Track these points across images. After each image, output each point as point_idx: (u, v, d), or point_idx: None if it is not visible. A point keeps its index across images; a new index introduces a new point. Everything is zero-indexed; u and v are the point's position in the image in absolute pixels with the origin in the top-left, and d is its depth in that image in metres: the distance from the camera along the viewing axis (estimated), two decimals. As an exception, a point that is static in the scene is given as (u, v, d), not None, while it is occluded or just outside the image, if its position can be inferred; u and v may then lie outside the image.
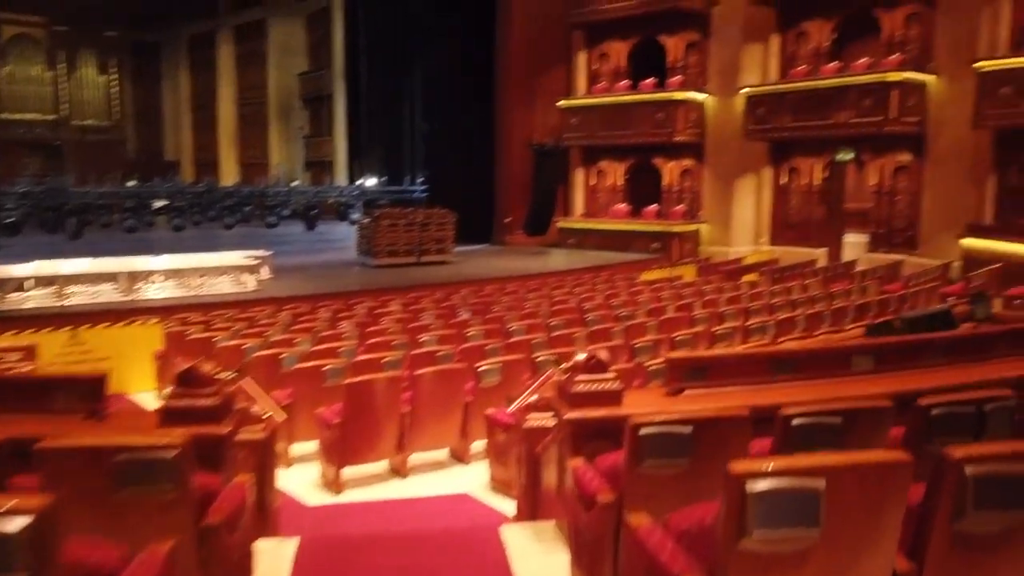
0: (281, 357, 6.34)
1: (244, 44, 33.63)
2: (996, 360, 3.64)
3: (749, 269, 14.90)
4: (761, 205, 17.73)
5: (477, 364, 5.67)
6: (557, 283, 13.23)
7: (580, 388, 3.10)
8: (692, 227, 18.27)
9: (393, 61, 24.67)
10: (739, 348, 6.30)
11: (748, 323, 7.70)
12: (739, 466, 1.64)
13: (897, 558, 1.83)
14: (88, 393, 3.13)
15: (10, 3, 29.33)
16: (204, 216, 22.81)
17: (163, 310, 10.58)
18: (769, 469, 1.60)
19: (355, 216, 22.45)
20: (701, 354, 4.18)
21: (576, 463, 2.76)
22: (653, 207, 19.03)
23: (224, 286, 12.35)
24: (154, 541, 1.99)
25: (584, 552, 2.65)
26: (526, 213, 21.04)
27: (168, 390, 3.00)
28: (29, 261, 12.04)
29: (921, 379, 3.30)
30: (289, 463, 5.57)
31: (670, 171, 19.11)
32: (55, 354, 8.57)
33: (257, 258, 13.45)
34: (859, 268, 14.10)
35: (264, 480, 3.58)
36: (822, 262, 15.78)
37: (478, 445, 5.50)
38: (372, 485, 5.17)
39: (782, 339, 6.93)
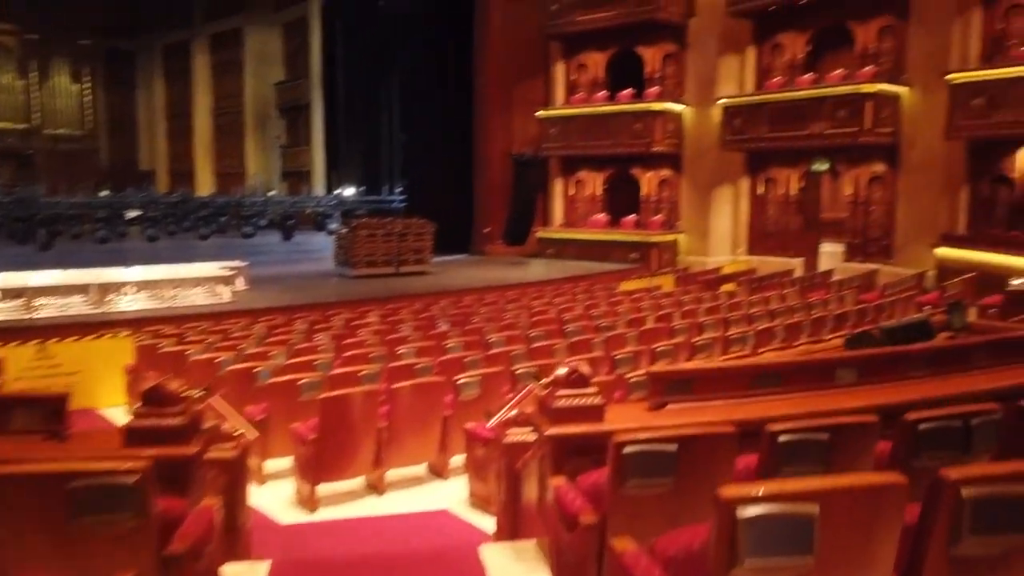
0: (255, 371, 6.20)
1: (220, 53, 33.36)
2: (978, 371, 3.63)
3: (727, 279, 14.95)
4: (738, 215, 17.84)
5: (456, 377, 5.57)
6: (536, 293, 13.18)
7: (561, 403, 3.02)
8: (670, 237, 18.33)
9: (371, 71, 24.59)
10: (721, 360, 6.26)
11: (728, 333, 7.68)
12: (729, 491, 1.57)
13: (891, 582, 1.77)
14: (49, 412, 3.00)
15: (-20, 11, 28.94)
16: (179, 226, 22.53)
17: (135, 323, 10.36)
18: (760, 494, 1.54)
19: (333, 226, 22.28)
20: (683, 368, 4.12)
21: (558, 482, 2.68)
22: (631, 217, 19.08)
23: (198, 298, 12.15)
24: (113, 573, 1.87)
25: (566, 574, 2.57)
26: (505, 223, 21.00)
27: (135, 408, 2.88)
28: (-3, 273, 11.77)
29: (905, 391, 3.27)
30: (263, 480, 5.43)
31: (648, 181, 19.19)
32: (22, 368, 8.33)
33: (232, 269, 13.26)
34: (836, 278, 14.20)
35: (235, 500, 3.46)
36: (799, 272, 15.88)
37: (457, 460, 5.40)
38: (348, 502, 5.05)
39: (762, 350, 6.92)
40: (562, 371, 3.14)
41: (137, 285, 11.82)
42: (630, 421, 2.94)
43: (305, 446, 4.93)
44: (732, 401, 3.25)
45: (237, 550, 3.37)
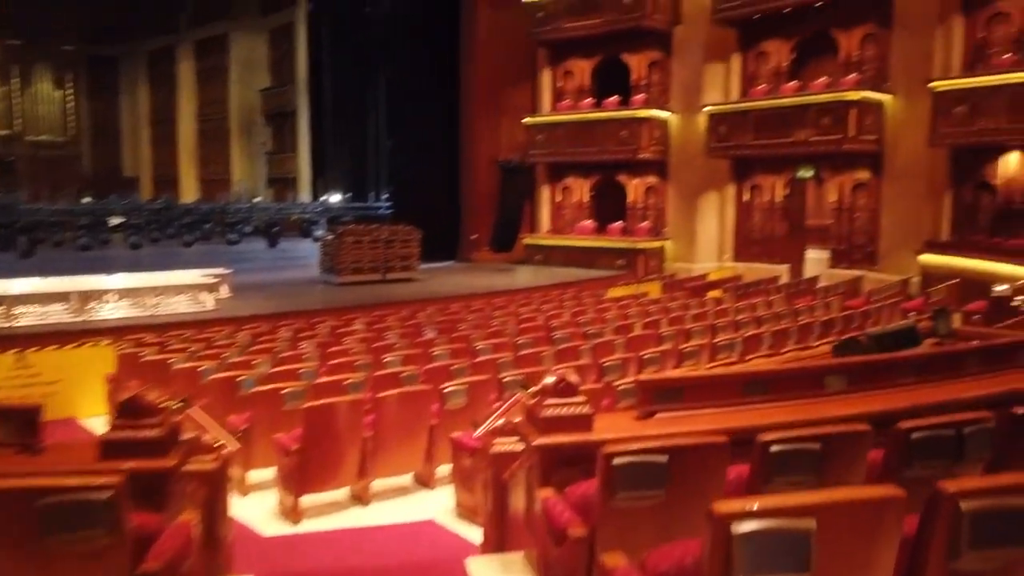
0: (239, 380, 6.11)
1: (205, 59, 33.19)
2: (968, 377, 3.61)
3: (713, 285, 14.98)
4: (724, 222, 17.89)
5: (443, 385, 5.51)
6: (524, 300, 13.12)
7: (549, 412, 2.97)
8: (657, 244, 18.36)
9: (358, 77, 24.52)
10: (710, 368, 6.24)
11: (715, 340, 7.66)
12: (723, 506, 1.52)
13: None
14: (22, 424, 2.91)
15: (-40, 16, 28.64)
16: (162, 233, 22.34)
17: (116, 331, 10.21)
18: (755, 509, 1.49)
19: (319, 233, 22.16)
20: (672, 376, 4.08)
21: (546, 494, 2.63)
22: (618, 224, 19.10)
23: (181, 305, 12.00)
24: (84, 593, 1.80)
25: (555, 588, 2.51)
26: (492, 230, 20.96)
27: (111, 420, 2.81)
28: (-25, 281, 11.57)
29: (895, 399, 3.24)
30: (246, 491, 5.34)
31: (635, 188, 19.22)
32: (0, 378, 8.19)
33: (216, 276, 13.11)
34: (821, 284, 14.25)
35: (215, 513, 3.38)
36: (785, 278, 15.94)
37: (444, 470, 5.33)
38: (332, 513, 4.96)
39: (750, 356, 6.90)
40: (550, 380, 3.09)
41: (119, 293, 11.65)
42: (619, 431, 2.89)
43: (288, 456, 4.85)
44: (722, 409, 3.21)
45: (218, 564, 3.29)
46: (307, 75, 27.95)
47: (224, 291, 13.30)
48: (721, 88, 17.48)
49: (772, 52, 16.90)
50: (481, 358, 6.92)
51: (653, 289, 14.65)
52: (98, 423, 7.76)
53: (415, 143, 21.57)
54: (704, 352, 7.20)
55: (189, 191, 33.57)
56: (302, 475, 4.80)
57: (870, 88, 14.95)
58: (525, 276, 17.81)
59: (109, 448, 2.59)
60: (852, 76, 15.29)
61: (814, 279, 14.90)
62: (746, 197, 17.70)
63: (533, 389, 3.17)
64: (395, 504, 5.11)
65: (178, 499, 2.81)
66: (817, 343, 7.78)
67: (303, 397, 5.38)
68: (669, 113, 18.17)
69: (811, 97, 15.38)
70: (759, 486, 2.32)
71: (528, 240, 20.37)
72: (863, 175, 15.71)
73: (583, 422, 2.96)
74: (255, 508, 5.03)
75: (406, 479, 5.45)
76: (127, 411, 2.70)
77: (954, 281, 12.25)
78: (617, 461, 2.24)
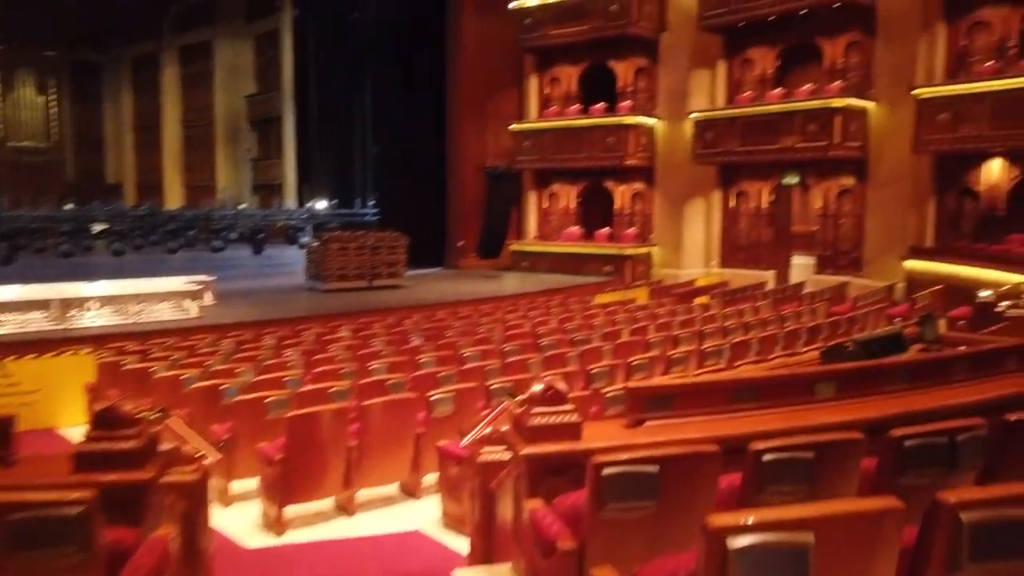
0: (222, 388, 6.02)
1: (190, 65, 32.99)
2: (957, 384, 3.60)
3: (700, 292, 14.99)
4: (711, 228, 17.94)
5: (429, 393, 5.44)
6: (511, 307, 13.08)
7: (537, 421, 2.92)
8: (644, 250, 18.37)
9: (343, 83, 24.45)
10: (699, 375, 6.21)
11: (703, 347, 7.64)
12: (719, 520, 1.47)
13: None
14: (-5, 436, 2.82)
15: (-59, 21, 28.29)
16: (146, 240, 22.12)
17: (97, 339, 10.06)
18: (751, 523, 1.44)
19: (304, 240, 22.02)
20: (662, 383, 4.04)
21: (534, 505, 2.57)
22: (605, 230, 19.11)
23: (164, 313, 11.86)
24: (53, 613, 1.73)
25: (543, 601, 2.46)
26: (479, 236, 20.92)
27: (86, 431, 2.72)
28: (-47, 288, 11.39)
29: (886, 405, 3.21)
30: (228, 502, 5.25)
31: (621, 194, 19.25)
32: (-22, 388, 8.03)
33: (199, 283, 12.97)
34: (807, 290, 14.30)
35: (196, 525, 3.30)
36: (771, 284, 15.99)
37: (430, 479, 5.26)
38: (317, 524, 4.88)
39: (738, 363, 6.88)
40: (537, 387, 3.04)
41: (100, 300, 11.50)
42: (608, 439, 2.84)
43: (272, 466, 4.76)
44: (712, 417, 3.18)
45: (198, 579, 3.20)
46: (293, 81, 27.84)
47: (208, 298, 13.18)
48: (707, 95, 17.55)
49: (757, 59, 16.99)
50: (468, 365, 6.87)
51: (640, 295, 14.65)
52: (78, 433, 7.60)
53: (401, 149, 21.53)
54: (692, 358, 7.17)
55: (174, 198, 33.30)
56: (286, 485, 4.72)
57: (854, 95, 15.05)
58: (512, 283, 17.77)
59: (83, 460, 2.51)
60: (837, 83, 15.40)
61: (800, 285, 14.95)
62: (732, 203, 17.76)
63: (520, 397, 3.12)
64: (381, 514, 5.04)
65: (156, 512, 2.73)
66: (804, 349, 7.78)
67: (287, 406, 5.30)
68: (655, 120, 18.22)
69: (796, 104, 15.46)
70: (752, 496, 2.28)
71: (515, 246, 20.33)
72: (848, 181, 15.80)
73: (571, 431, 2.91)
74: (238, 519, 4.94)
75: (392, 489, 5.37)
76: (103, 422, 2.63)
77: (938, 287, 12.32)
78: (607, 471, 2.19)
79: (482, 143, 20.96)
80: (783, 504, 2.12)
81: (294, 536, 4.70)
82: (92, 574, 1.92)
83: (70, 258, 19.31)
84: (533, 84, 20.40)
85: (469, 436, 4.11)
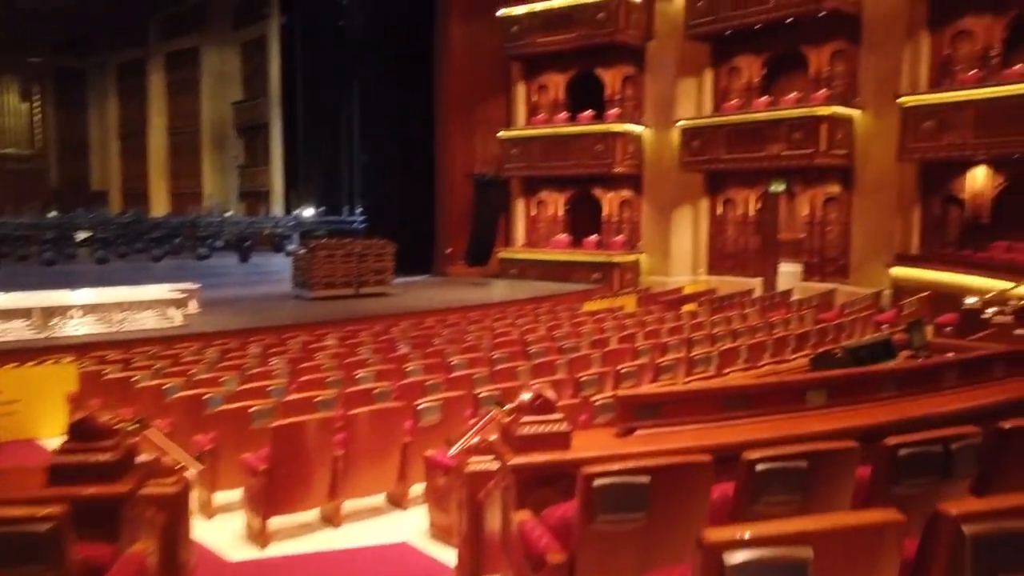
0: (205, 398, 5.92)
1: (176, 72, 32.84)
2: (948, 391, 3.58)
3: (688, 299, 14.99)
4: (698, 235, 17.98)
5: (416, 402, 5.37)
6: (499, 314, 13.02)
7: (525, 430, 2.86)
8: (632, 257, 18.38)
9: (331, 91, 24.40)
10: (689, 383, 6.17)
11: (691, 354, 7.61)
12: (714, 534, 1.42)
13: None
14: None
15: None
16: (131, 248, 21.96)
17: (79, 348, 9.93)
18: (747, 537, 1.40)
19: (291, 247, 21.91)
20: (652, 391, 4.00)
21: (522, 517, 2.52)
22: (593, 237, 19.12)
23: (148, 321, 11.72)
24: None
25: (532, 615, 2.39)
26: (467, 243, 20.87)
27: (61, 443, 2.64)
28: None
29: (878, 413, 3.18)
30: (211, 514, 5.15)
31: (609, 202, 19.27)
32: (-44, 398, 7.88)
33: (184, 291, 12.84)
34: (795, 297, 14.33)
35: (176, 539, 3.21)
36: (758, 291, 16.02)
37: (417, 489, 5.19)
38: (302, 536, 4.79)
39: (727, 370, 6.85)
40: (526, 396, 2.98)
41: (83, 308, 11.35)
42: (598, 449, 2.79)
43: (256, 477, 4.68)
44: (703, 425, 3.13)
45: (178, 594, 3.12)
46: (280, 88, 27.77)
47: (193, 306, 13.04)
48: (694, 103, 17.61)
49: (744, 67, 17.08)
50: (456, 373, 6.80)
51: (628, 303, 14.63)
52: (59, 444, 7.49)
53: (389, 156, 21.47)
54: (681, 366, 7.14)
55: (159, 205, 33.08)
56: (270, 496, 4.63)
57: (840, 103, 15.15)
58: (500, 290, 17.72)
59: (57, 473, 2.44)
60: (822, 92, 15.50)
61: (788, 292, 14.98)
62: (719, 211, 17.81)
63: (509, 406, 3.07)
64: (367, 525, 4.96)
65: (133, 526, 2.65)
66: (793, 356, 7.77)
67: (271, 415, 5.21)
68: (643, 127, 18.26)
69: (783, 112, 15.54)
70: (746, 506, 2.23)
71: (503, 254, 20.29)
72: (834, 189, 15.89)
73: (561, 440, 2.86)
74: (221, 532, 4.85)
75: (379, 499, 5.29)
76: (79, 433, 2.55)
77: (924, 294, 12.38)
78: (598, 483, 2.13)
79: (470, 150, 20.93)
80: (778, 515, 2.08)
81: (278, 548, 4.61)
82: (63, 593, 1.85)
83: (53, 266, 19.11)
84: (521, 91, 20.41)
85: (457, 446, 4.04)
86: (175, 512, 3.22)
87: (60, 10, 28.54)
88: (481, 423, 4.02)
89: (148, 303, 11.94)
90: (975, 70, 13.37)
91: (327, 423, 4.92)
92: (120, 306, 11.62)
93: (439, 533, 4.54)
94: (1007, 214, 13.45)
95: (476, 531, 3.50)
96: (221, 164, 32.14)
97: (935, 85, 13.94)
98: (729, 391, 3.33)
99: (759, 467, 2.23)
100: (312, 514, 4.98)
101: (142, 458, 2.91)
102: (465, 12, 20.51)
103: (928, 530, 1.59)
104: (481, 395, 5.62)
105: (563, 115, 19.44)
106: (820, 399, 3.40)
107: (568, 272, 18.50)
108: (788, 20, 15.54)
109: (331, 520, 4.94)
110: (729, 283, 16.64)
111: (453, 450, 4.18)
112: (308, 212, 25.67)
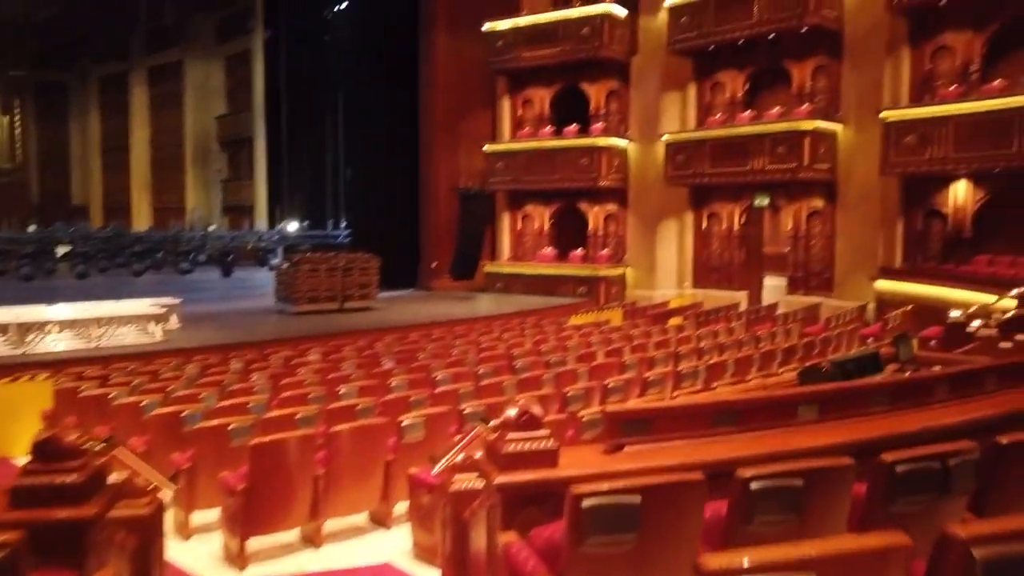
0: (183, 415, 5.78)
1: (159, 85, 32.66)
2: (939, 405, 3.53)
3: (674, 313, 14.97)
4: (684, 249, 18.01)
5: (400, 418, 5.27)
6: (485, 329, 12.92)
7: (511, 448, 2.77)
8: (618, 271, 18.36)
9: (315, 104, 24.33)
10: (677, 397, 6.11)
11: (679, 368, 7.55)
12: (713, 561, 1.35)
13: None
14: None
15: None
16: (111, 263, 21.68)
17: (56, 364, 9.72)
18: (747, 564, 1.32)
19: (275, 261, 21.72)
20: (640, 407, 3.93)
21: (508, 538, 2.42)
22: (579, 251, 19.10)
23: (128, 337, 11.51)
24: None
25: (519, 642, 2.30)
26: (452, 257, 20.79)
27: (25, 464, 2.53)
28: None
29: (870, 427, 3.13)
30: (188, 535, 5.00)
31: (595, 216, 19.28)
32: (-74, 416, 7.66)
33: (164, 306, 12.64)
34: (780, 311, 14.34)
35: (148, 563, 3.09)
36: (744, 305, 16.03)
37: (401, 507, 5.07)
38: (282, 557, 4.66)
39: (714, 384, 6.80)
40: (512, 412, 2.90)
41: (61, 324, 11.13)
42: (587, 466, 2.71)
43: (234, 496, 4.54)
44: (693, 441, 3.06)
45: (149, 620, 2.99)
46: (264, 101, 27.65)
47: (173, 321, 12.85)
48: (678, 117, 17.69)
49: (727, 82, 17.19)
50: (441, 389, 6.70)
51: (615, 317, 14.59)
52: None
53: (374, 170, 21.41)
54: (668, 380, 7.07)
55: (142, 220, 32.77)
56: (249, 516, 4.50)
57: (822, 118, 15.26)
58: (486, 304, 17.63)
59: (19, 496, 2.32)
60: (805, 106, 15.61)
61: (773, 306, 15.00)
62: (704, 225, 17.86)
63: (494, 422, 2.98)
64: (349, 546, 4.83)
65: (101, 551, 2.53)
66: (780, 370, 7.73)
67: (251, 432, 5.08)
68: (628, 142, 18.31)
69: (766, 126, 15.62)
70: (740, 527, 2.16)
71: (489, 268, 20.22)
72: (818, 203, 15.97)
73: (548, 457, 2.77)
74: (198, 553, 4.71)
75: (361, 518, 5.17)
76: (43, 454, 2.44)
77: (908, 307, 12.42)
78: (587, 503, 2.05)
79: (455, 164, 20.90)
80: (773, 535, 2.00)
81: (257, 570, 4.48)
82: (19, 626, 1.74)
83: (31, 281, 18.80)
84: (506, 105, 20.43)
85: (441, 463, 3.94)
86: (147, 535, 3.10)
87: (41, 23, 28.32)
88: (466, 440, 3.93)
89: (128, 318, 11.73)
90: (955, 85, 13.51)
91: (308, 440, 4.80)
92: (99, 321, 11.41)
93: (423, 553, 4.43)
94: (988, 228, 13.56)
95: (461, 552, 3.40)
96: (204, 178, 31.92)
97: (916, 100, 14.07)
98: (719, 406, 3.26)
99: (754, 486, 2.16)
100: (292, 534, 4.85)
101: (113, 478, 2.80)
102: (450, 26, 20.55)
103: (937, 553, 1.52)
104: (466, 411, 5.53)
105: (548, 129, 19.47)
106: (811, 414, 3.34)
107: (554, 286, 18.45)
108: (771, 36, 15.68)
109: (312, 540, 4.81)
110: (714, 297, 16.65)
111: (437, 468, 4.07)
112: (292, 226, 25.50)
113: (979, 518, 2.36)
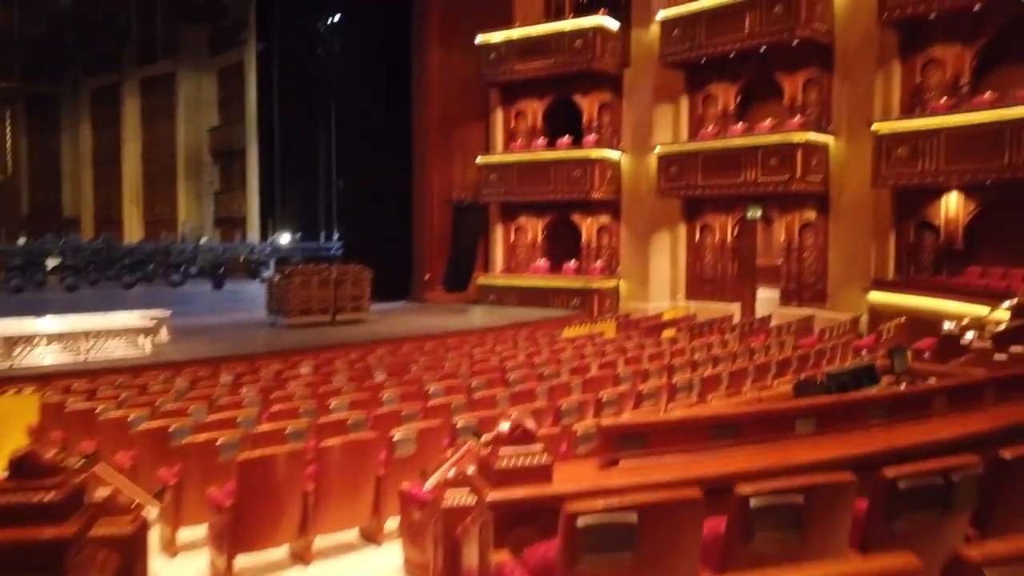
0: (170, 429, 5.68)
1: (151, 97, 32.62)
2: (937, 418, 3.48)
3: (668, 325, 14.93)
4: (677, 261, 18.00)
5: (391, 432, 5.19)
6: (478, 341, 12.85)
7: (504, 463, 2.71)
8: (611, 283, 18.34)
9: (308, 116, 24.33)
10: (673, 411, 6.04)
11: (673, 381, 7.50)
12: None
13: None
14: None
15: None
16: (101, 275, 21.52)
17: (43, 378, 9.59)
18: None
19: (266, 274, 21.61)
20: (636, 421, 3.87)
21: (501, 558, 2.36)
22: (572, 263, 19.07)
23: (116, 350, 11.39)
24: None
25: (512, 664, 2.23)
26: (445, 269, 20.72)
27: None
28: None
29: (869, 441, 3.07)
30: (174, 552, 4.91)
31: (588, 227, 19.27)
32: (-91, 431, 7.53)
33: (154, 319, 12.53)
34: (774, 323, 14.32)
35: (131, 583, 3.00)
36: (737, 317, 16.01)
37: (392, 523, 4.98)
38: (271, 574, 4.57)
39: (709, 397, 6.74)
40: (504, 426, 2.83)
41: (49, 337, 11.01)
42: (581, 482, 2.64)
43: (221, 513, 4.45)
44: (689, 455, 3.00)
45: (132, 642, 2.90)
46: (256, 114, 27.63)
47: (164, 334, 12.74)
48: (671, 129, 17.74)
49: (719, 95, 17.25)
50: (433, 402, 6.62)
51: (608, 329, 14.53)
52: None
53: (367, 182, 21.37)
54: (662, 393, 7.01)
55: (133, 232, 32.62)
56: (236, 533, 4.41)
57: (814, 130, 15.31)
58: (479, 316, 17.56)
59: (-5, 516, 2.24)
60: (797, 119, 15.66)
61: (767, 318, 14.97)
62: (697, 237, 17.87)
63: (486, 437, 2.91)
64: (339, 563, 4.74)
65: (81, 571, 2.45)
66: (774, 382, 7.69)
67: (239, 447, 5.00)
68: (620, 154, 18.34)
69: (758, 138, 15.67)
70: (739, 545, 2.10)
71: (482, 280, 20.17)
72: (810, 215, 16.00)
73: (541, 473, 2.70)
74: (184, 571, 4.62)
75: (351, 535, 5.08)
76: (20, 471, 2.35)
77: (901, 319, 12.41)
78: (582, 521, 1.99)
79: (448, 176, 20.89)
80: (773, 553, 1.94)
81: (245, 589, 4.39)
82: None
83: (21, 293, 18.64)
84: (499, 117, 20.46)
85: (433, 478, 3.87)
86: (130, 553, 3.01)
87: (32, 35, 28.25)
88: (458, 454, 3.86)
89: (117, 331, 11.62)
90: (946, 98, 13.58)
91: (298, 455, 4.72)
92: (87, 334, 11.29)
93: (414, 571, 4.34)
94: (980, 240, 13.60)
95: (452, 570, 3.33)
96: (196, 190, 31.83)
97: (907, 112, 14.14)
98: (716, 420, 3.21)
99: (753, 502, 2.10)
100: (282, 551, 4.76)
101: (96, 496, 2.72)
102: (443, 39, 20.60)
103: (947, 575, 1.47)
104: (459, 424, 5.45)
105: (541, 141, 19.49)
106: (809, 427, 3.29)
107: (547, 298, 18.41)
108: (762, 49, 15.75)
109: (301, 557, 4.72)
110: (708, 309, 16.63)
111: (429, 483, 4.00)
112: (284, 238, 25.42)
113: (983, 536, 2.30)
